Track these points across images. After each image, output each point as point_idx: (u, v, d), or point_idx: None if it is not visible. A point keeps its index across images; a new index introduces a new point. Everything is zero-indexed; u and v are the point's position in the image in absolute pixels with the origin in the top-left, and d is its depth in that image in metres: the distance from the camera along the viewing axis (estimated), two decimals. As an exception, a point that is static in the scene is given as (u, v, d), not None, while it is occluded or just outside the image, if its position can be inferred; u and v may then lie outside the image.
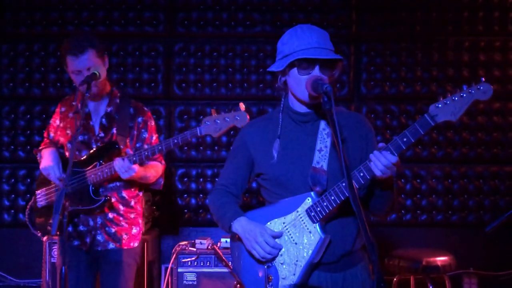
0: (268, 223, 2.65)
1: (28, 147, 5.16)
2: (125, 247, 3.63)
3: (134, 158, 3.42)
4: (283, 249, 2.59)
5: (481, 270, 5.09)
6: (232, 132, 5.23)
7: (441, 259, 4.44)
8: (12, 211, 5.15)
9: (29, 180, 5.15)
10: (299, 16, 5.23)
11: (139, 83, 5.23)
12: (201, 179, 5.24)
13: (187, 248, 4.60)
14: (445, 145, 5.24)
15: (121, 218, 3.63)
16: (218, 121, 3.24)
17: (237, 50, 5.26)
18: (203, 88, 5.24)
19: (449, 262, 4.46)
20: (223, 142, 5.22)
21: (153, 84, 5.22)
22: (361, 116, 2.84)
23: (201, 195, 5.23)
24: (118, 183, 3.62)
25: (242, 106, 3.22)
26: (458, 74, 5.24)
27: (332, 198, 2.49)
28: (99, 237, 3.57)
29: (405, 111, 5.24)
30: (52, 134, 3.76)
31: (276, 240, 2.60)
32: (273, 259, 2.61)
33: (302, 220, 2.56)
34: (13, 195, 5.15)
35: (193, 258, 4.54)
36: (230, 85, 5.23)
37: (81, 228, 3.57)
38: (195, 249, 4.57)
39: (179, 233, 5.20)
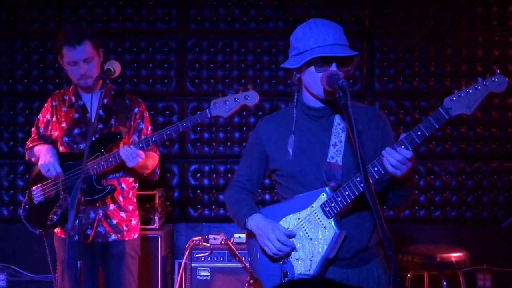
0: (284, 218, 2.64)
1: (12, 143, 5.21)
2: (127, 238, 3.63)
3: (141, 145, 3.39)
4: (298, 245, 2.58)
5: (495, 267, 5.07)
6: (244, 128, 5.24)
7: (455, 255, 4.43)
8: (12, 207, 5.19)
9: (12, 176, 5.22)
10: (312, 11, 5.22)
11: (152, 79, 5.24)
12: (214, 175, 5.25)
13: (200, 243, 4.61)
14: (459, 141, 5.22)
15: (121, 210, 3.63)
16: (228, 102, 3.22)
17: (249, 46, 5.26)
18: (215, 84, 5.24)
19: (463, 258, 4.45)
20: (236, 138, 5.23)
21: (166, 81, 5.24)
22: (376, 109, 2.83)
23: (214, 191, 5.24)
24: (117, 174, 3.62)
25: (250, 87, 3.20)
26: (471, 70, 5.21)
27: (347, 193, 2.48)
28: (100, 229, 3.57)
29: (418, 106, 5.22)
30: (41, 129, 3.73)
31: (291, 236, 2.59)
32: (288, 255, 2.60)
33: (317, 216, 2.55)
34: (12, 191, 5.19)
35: (207, 254, 4.55)
36: (243, 81, 5.23)
37: (78, 221, 3.53)
38: (208, 245, 4.58)
39: (192, 229, 5.22)
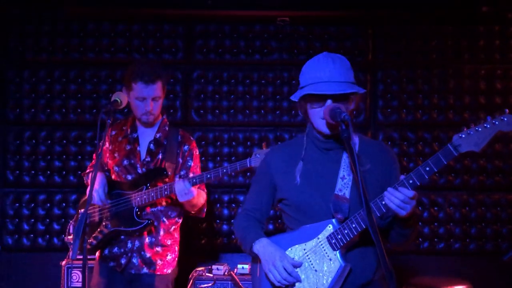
0: (289, 249, 2.66)
1: (48, 172, 5.21)
2: (158, 273, 3.67)
3: (195, 180, 3.49)
4: (303, 276, 2.60)
5: (499, 299, 5.04)
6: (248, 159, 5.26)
7: (459, 288, 4.41)
8: (32, 235, 5.19)
9: (48, 204, 5.20)
10: (316, 44, 5.29)
11: (157, 110, 5.29)
12: (218, 205, 5.26)
13: (204, 273, 4.60)
14: (462, 173, 5.23)
15: (158, 244, 3.68)
16: (258, 155, 3.36)
17: (254, 77, 5.32)
18: (220, 114, 5.29)
19: (467, 291, 4.42)
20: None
21: (172, 111, 5.29)
22: (386, 146, 2.85)
23: (218, 221, 5.25)
24: (161, 208, 3.69)
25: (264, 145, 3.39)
26: (475, 102, 5.25)
27: (354, 226, 2.51)
28: (134, 260, 3.63)
29: (422, 138, 5.24)
30: (100, 156, 3.82)
31: (297, 267, 2.61)
32: (292, 285, 2.61)
33: (323, 247, 2.58)
34: (32, 220, 5.20)
35: (210, 284, 4.54)
36: (247, 111, 5.27)
37: (116, 250, 3.62)
38: (212, 275, 4.57)
39: (195, 259, 5.20)
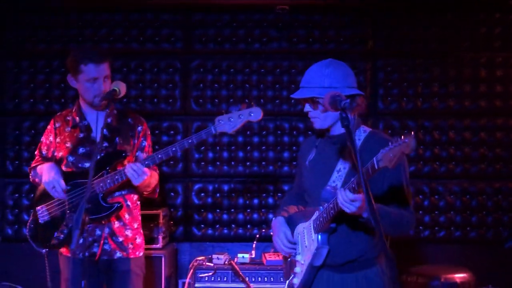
0: (298, 224, 3.01)
1: None
2: (132, 256, 3.65)
3: (147, 162, 3.44)
4: (300, 249, 2.98)
5: (500, 287, 5.03)
6: (248, 147, 5.26)
7: (459, 276, 4.41)
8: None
9: None
10: (315, 32, 5.27)
11: (157, 99, 5.28)
12: (217, 194, 5.26)
13: (204, 263, 4.61)
14: (463, 161, 5.22)
15: (126, 227, 3.65)
16: (232, 118, 3.30)
17: (253, 66, 5.30)
18: (220, 103, 5.27)
19: (468, 279, 4.43)
20: (240, 158, 5.25)
21: (171, 100, 5.27)
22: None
23: (217, 210, 5.24)
24: (123, 191, 3.64)
25: (253, 104, 3.35)
26: (475, 90, 5.23)
27: (332, 211, 2.69)
28: (106, 247, 3.59)
29: (422, 126, 5.23)
30: (44, 152, 3.76)
31: (293, 243, 3.02)
32: (294, 255, 3.01)
33: (310, 228, 2.90)
34: (17, 210, 5.21)
35: (210, 274, 4.55)
36: (247, 100, 5.26)
37: (86, 239, 3.55)
38: (212, 264, 4.58)
39: (196, 248, 5.21)
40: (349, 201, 2.52)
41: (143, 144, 3.74)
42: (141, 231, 3.78)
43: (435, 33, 5.27)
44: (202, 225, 5.24)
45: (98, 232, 3.58)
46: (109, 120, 3.66)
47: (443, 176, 5.23)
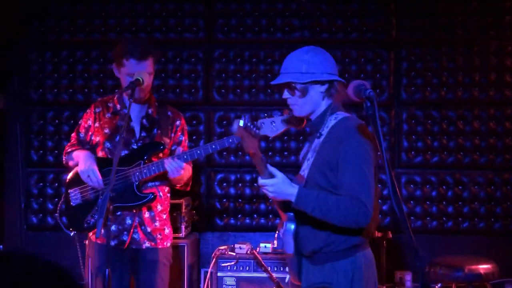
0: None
1: None
2: (160, 247, 3.69)
3: (185, 156, 3.51)
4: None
5: (524, 279, 4.99)
6: (270, 138, 5.24)
7: (483, 267, 4.37)
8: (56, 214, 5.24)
9: None
10: (338, 21, 5.22)
11: (179, 89, 5.29)
12: (240, 184, 5.26)
13: (226, 252, 4.63)
14: (488, 151, 5.15)
15: (156, 218, 3.69)
16: (275, 123, 3.32)
17: (275, 56, 5.28)
18: (242, 93, 5.27)
19: (492, 270, 4.38)
20: (262, 148, 5.24)
21: (193, 90, 5.28)
22: (348, 126, 2.78)
23: (240, 200, 5.25)
24: (156, 182, 3.69)
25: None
26: (500, 79, 5.15)
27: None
28: (135, 236, 3.63)
29: (446, 116, 5.17)
30: (82, 134, 3.81)
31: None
32: None
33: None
34: (56, 199, 5.25)
35: (233, 263, 4.56)
36: (269, 90, 5.24)
37: (114, 227, 3.60)
38: (234, 254, 4.60)
39: (218, 238, 5.23)
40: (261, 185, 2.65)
41: (181, 138, 3.80)
42: (169, 222, 3.82)
43: (460, 21, 5.19)
44: (224, 215, 5.26)
45: (128, 221, 3.63)
46: (150, 111, 3.72)
47: (467, 167, 5.17)
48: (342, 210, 2.60)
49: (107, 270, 3.06)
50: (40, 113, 5.30)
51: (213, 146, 3.56)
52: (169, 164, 3.50)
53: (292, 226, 2.82)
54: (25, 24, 5.29)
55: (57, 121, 5.29)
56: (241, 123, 2.56)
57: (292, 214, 2.81)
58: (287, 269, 4.41)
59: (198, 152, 3.53)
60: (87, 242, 3.81)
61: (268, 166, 2.72)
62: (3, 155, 5.32)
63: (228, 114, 5.25)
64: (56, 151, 5.25)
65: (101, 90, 5.26)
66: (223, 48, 5.30)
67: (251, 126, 2.59)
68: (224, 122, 5.26)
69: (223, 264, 4.57)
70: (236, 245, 4.66)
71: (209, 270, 4.62)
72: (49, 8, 5.29)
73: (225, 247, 4.71)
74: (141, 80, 3.43)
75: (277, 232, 3.18)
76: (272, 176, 2.67)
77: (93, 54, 5.28)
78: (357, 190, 2.61)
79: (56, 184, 5.27)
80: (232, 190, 5.26)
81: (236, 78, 5.28)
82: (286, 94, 2.86)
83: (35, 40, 5.31)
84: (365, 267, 2.73)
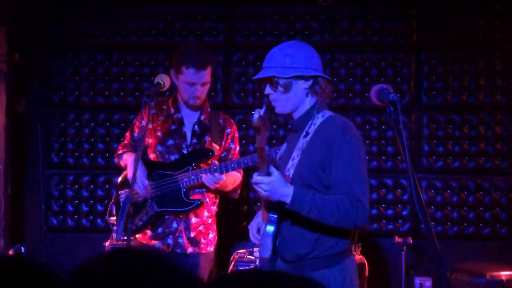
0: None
1: (92, 154, 5.28)
2: (203, 251, 3.72)
3: (218, 170, 3.55)
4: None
5: (547, 286, 4.91)
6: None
7: (505, 274, 4.31)
8: (76, 216, 5.28)
9: (92, 186, 5.28)
10: (358, 24, 5.20)
11: (198, 92, 5.29)
12: (258, 188, 5.25)
13: (245, 256, 4.61)
14: (510, 157, 5.09)
15: (201, 223, 3.72)
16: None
17: (295, 59, 5.26)
18: (261, 97, 5.26)
19: (514, 277, 4.33)
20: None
21: (212, 93, 5.28)
22: (337, 126, 2.73)
23: (258, 204, 5.24)
24: (203, 189, 3.73)
25: None
26: (523, 83, 5.10)
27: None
28: (180, 240, 3.67)
29: (467, 121, 5.12)
30: (136, 134, 3.83)
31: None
32: None
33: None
34: (76, 201, 5.29)
35: (251, 266, 4.55)
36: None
37: (161, 230, 3.65)
38: (253, 257, 4.58)
39: (236, 241, 5.22)
40: (254, 183, 2.55)
41: (230, 146, 3.83)
42: (215, 226, 3.84)
43: (481, 25, 5.14)
44: (243, 219, 5.25)
45: (174, 225, 3.68)
46: (202, 117, 3.74)
47: (488, 172, 5.11)
48: (341, 210, 2.51)
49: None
50: (60, 115, 5.34)
51: (245, 161, 3.58)
52: (206, 179, 3.54)
53: (272, 229, 2.69)
54: (46, 27, 5.33)
55: (77, 124, 5.32)
56: (262, 112, 2.39)
57: (275, 216, 2.69)
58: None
59: (245, 161, 3.57)
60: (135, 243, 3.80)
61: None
62: (24, 157, 5.36)
63: (247, 117, 5.25)
64: (77, 153, 5.28)
65: (122, 93, 5.28)
66: (242, 51, 5.30)
67: (268, 118, 2.44)
68: (244, 125, 5.26)
69: (241, 268, 4.56)
70: (255, 249, 4.64)
71: (228, 273, 4.61)
72: (70, 11, 5.33)
73: (244, 250, 4.70)
74: (162, 83, 3.44)
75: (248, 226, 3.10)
76: (269, 174, 2.55)
77: (113, 57, 5.31)
78: (354, 188, 2.54)
79: (76, 186, 5.30)
80: (251, 194, 5.25)
81: (255, 82, 5.28)
82: (268, 90, 2.74)
83: (56, 43, 5.35)
84: (353, 274, 2.68)
